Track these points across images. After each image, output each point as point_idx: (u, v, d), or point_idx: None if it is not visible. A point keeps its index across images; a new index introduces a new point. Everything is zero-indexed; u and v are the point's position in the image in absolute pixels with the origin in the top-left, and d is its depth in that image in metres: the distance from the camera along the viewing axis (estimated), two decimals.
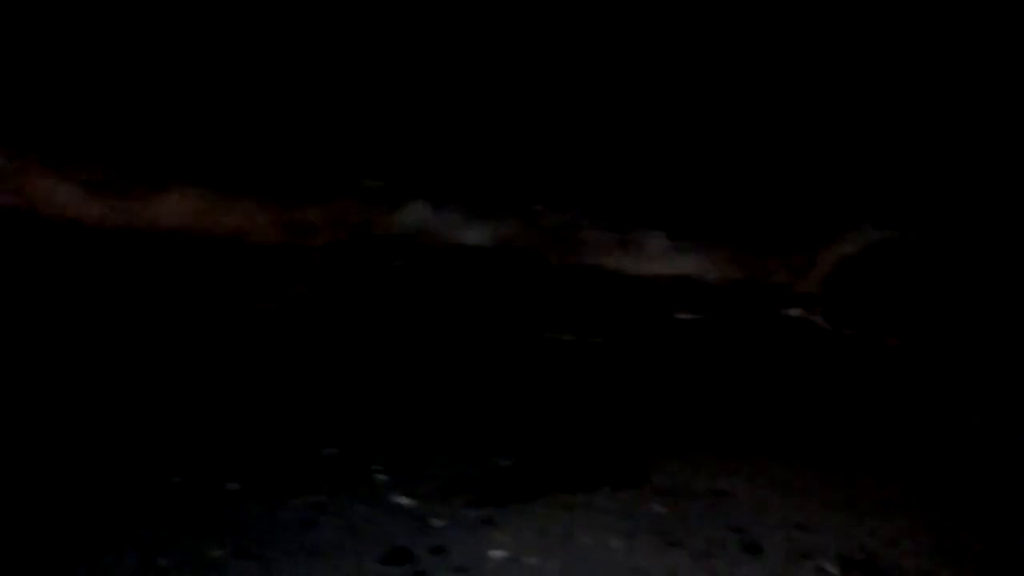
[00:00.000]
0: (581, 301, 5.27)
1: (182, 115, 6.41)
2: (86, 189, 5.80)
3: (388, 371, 4.21)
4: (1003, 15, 5.91)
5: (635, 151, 6.11)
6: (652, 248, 5.81)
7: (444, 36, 6.53)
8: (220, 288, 5.18)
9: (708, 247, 5.71)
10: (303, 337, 4.59)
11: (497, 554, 2.78)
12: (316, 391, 3.93)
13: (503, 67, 6.48)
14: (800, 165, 6.12)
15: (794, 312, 5.20)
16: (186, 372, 4.09)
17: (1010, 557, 2.86)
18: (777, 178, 6.05)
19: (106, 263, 5.34)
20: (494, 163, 6.32)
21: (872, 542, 2.91)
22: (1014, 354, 4.71)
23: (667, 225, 5.96)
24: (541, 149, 6.43)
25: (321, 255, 5.63)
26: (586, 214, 5.95)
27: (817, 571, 2.75)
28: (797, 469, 3.37)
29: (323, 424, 3.59)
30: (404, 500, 3.08)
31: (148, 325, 4.65)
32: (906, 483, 3.31)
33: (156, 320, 4.73)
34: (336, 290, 5.26)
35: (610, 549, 2.84)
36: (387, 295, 5.25)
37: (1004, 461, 3.54)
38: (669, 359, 4.55)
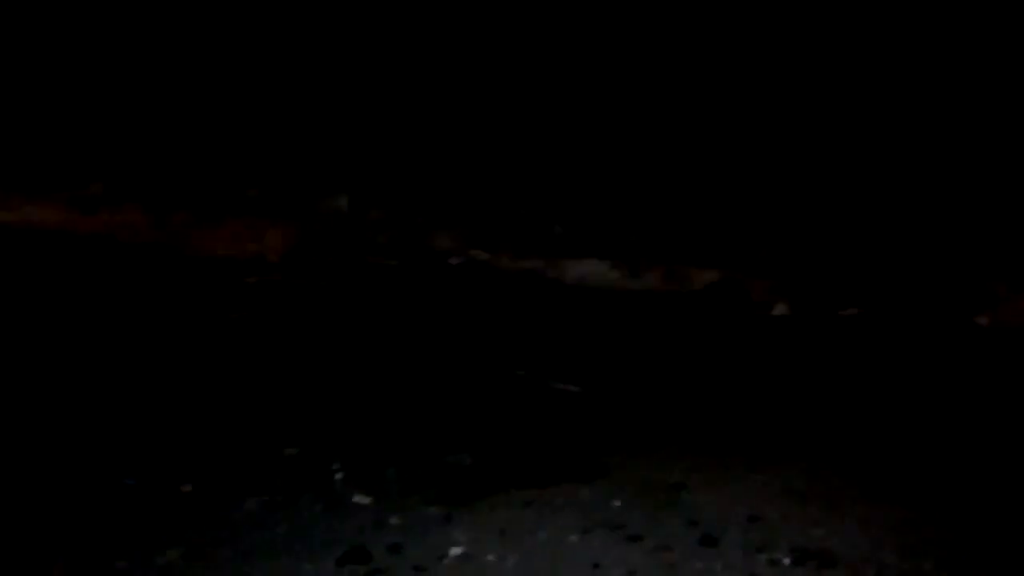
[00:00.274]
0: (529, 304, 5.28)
1: None
2: None
3: (348, 371, 4.19)
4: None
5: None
6: None
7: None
8: (177, 295, 5.14)
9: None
10: (267, 339, 4.56)
11: (455, 551, 2.78)
12: (277, 392, 3.91)
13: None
14: None
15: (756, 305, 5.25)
16: (144, 374, 4.05)
17: (962, 544, 2.90)
18: None
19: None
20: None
21: (825, 533, 2.93)
22: (948, 333, 4.79)
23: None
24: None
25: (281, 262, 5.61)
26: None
27: (771, 563, 2.77)
28: (755, 462, 3.40)
29: (283, 424, 3.57)
30: (362, 499, 3.07)
31: (102, 328, 4.60)
32: (862, 475, 3.35)
33: (111, 323, 4.67)
34: (296, 294, 5.24)
35: (568, 544, 2.85)
36: (349, 298, 5.24)
37: (956, 449, 3.59)
38: (629, 356, 4.58)
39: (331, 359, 4.31)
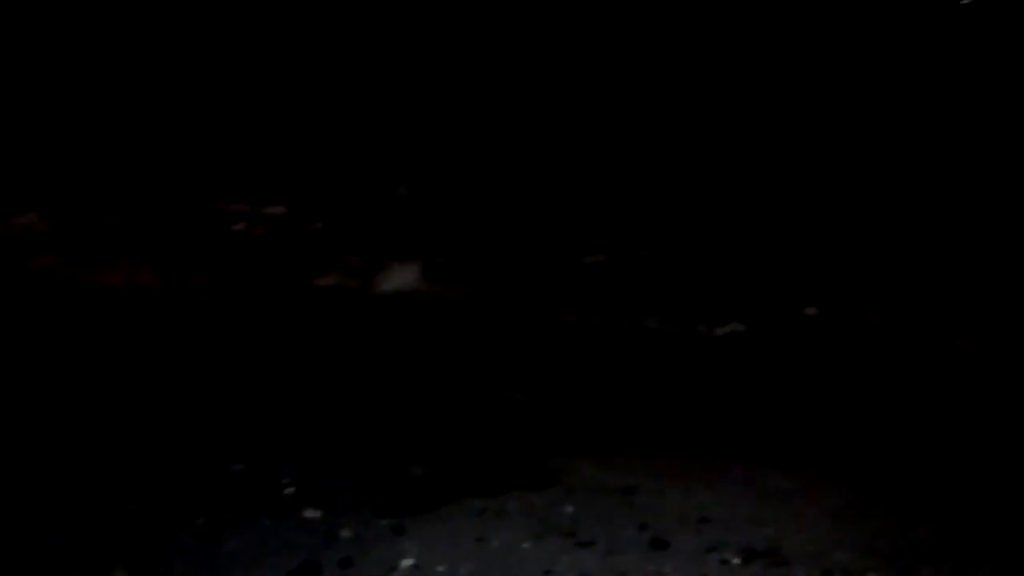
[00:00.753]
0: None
1: None
2: None
3: (296, 385, 4.16)
4: None
5: None
6: None
7: None
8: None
9: None
10: (208, 358, 4.50)
11: (406, 563, 2.77)
12: (223, 409, 3.87)
13: None
14: None
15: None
16: (88, 395, 3.98)
17: (908, 539, 2.94)
18: None
19: None
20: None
21: (774, 532, 2.97)
22: (909, 333, 4.87)
23: None
24: None
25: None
26: None
27: (721, 563, 2.80)
28: (704, 464, 3.43)
29: (231, 441, 3.53)
30: (313, 513, 3.05)
31: (42, 347, 4.52)
32: (808, 472, 3.39)
33: (53, 343, 4.59)
34: (241, 309, 5.18)
35: (520, 552, 2.85)
36: (292, 310, 5.19)
37: (904, 445, 3.65)
38: (579, 360, 4.59)
39: (275, 375, 4.27)
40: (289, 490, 3.18)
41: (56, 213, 6.26)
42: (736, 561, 2.80)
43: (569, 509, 3.10)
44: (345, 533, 2.93)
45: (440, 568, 2.75)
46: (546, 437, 3.67)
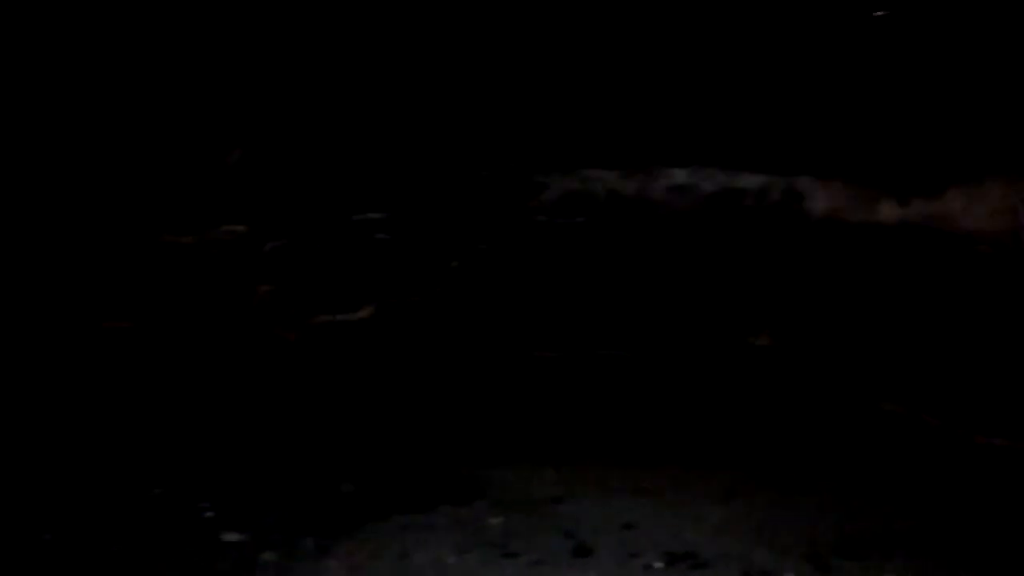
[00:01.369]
0: None
1: None
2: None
3: (219, 409, 4.09)
4: None
5: None
6: None
7: None
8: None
9: None
10: (126, 381, 4.40)
11: None
12: (139, 432, 3.79)
13: None
14: None
15: None
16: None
17: (828, 539, 3.00)
18: None
19: None
20: None
21: (696, 535, 3.01)
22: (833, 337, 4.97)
23: None
24: None
25: None
26: None
27: (644, 568, 2.83)
28: (630, 472, 3.46)
29: (148, 464, 3.47)
30: (234, 536, 3.01)
31: None
32: (733, 473, 3.45)
33: None
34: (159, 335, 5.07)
35: (445, 566, 2.85)
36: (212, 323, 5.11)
37: (824, 445, 3.73)
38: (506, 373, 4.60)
39: (193, 396, 4.19)
40: (209, 514, 3.13)
41: None
42: (659, 565, 2.83)
43: (495, 521, 3.11)
44: (267, 556, 2.90)
45: None
46: (475, 451, 3.68)
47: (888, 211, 5.17)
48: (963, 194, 5.20)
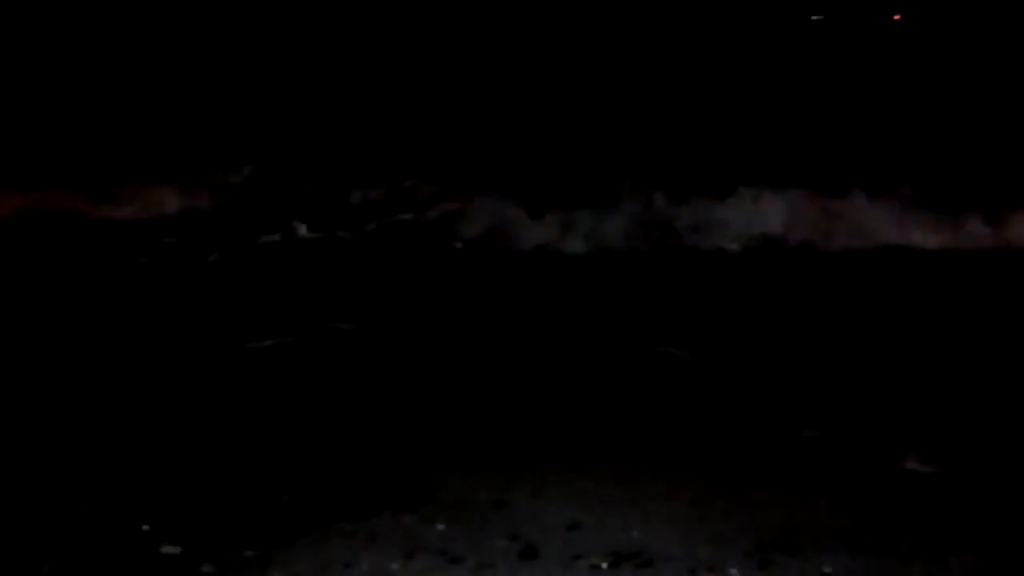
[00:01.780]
0: None
1: None
2: None
3: (154, 421, 4.00)
4: None
5: None
6: None
7: None
8: None
9: None
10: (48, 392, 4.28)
11: None
12: (69, 446, 3.69)
13: None
14: None
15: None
16: None
17: (770, 533, 3.02)
18: None
19: None
20: None
21: (641, 533, 3.01)
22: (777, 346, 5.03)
23: None
24: None
25: None
26: None
27: (590, 569, 2.82)
28: (575, 472, 3.45)
29: (79, 479, 3.37)
30: (172, 549, 2.94)
31: None
32: (679, 474, 3.45)
33: None
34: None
35: (390, 573, 2.81)
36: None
37: (765, 444, 3.76)
38: (449, 375, 4.58)
39: (123, 407, 4.09)
40: (145, 527, 3.05)
41: None
42: (604, 565, 2.82)
43: (440, 526, 3.08)
44: (207, 568, 2.84)
45: None
46: (418, 456, 3.64)
47: None
48: None
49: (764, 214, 6.24)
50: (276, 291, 5.84)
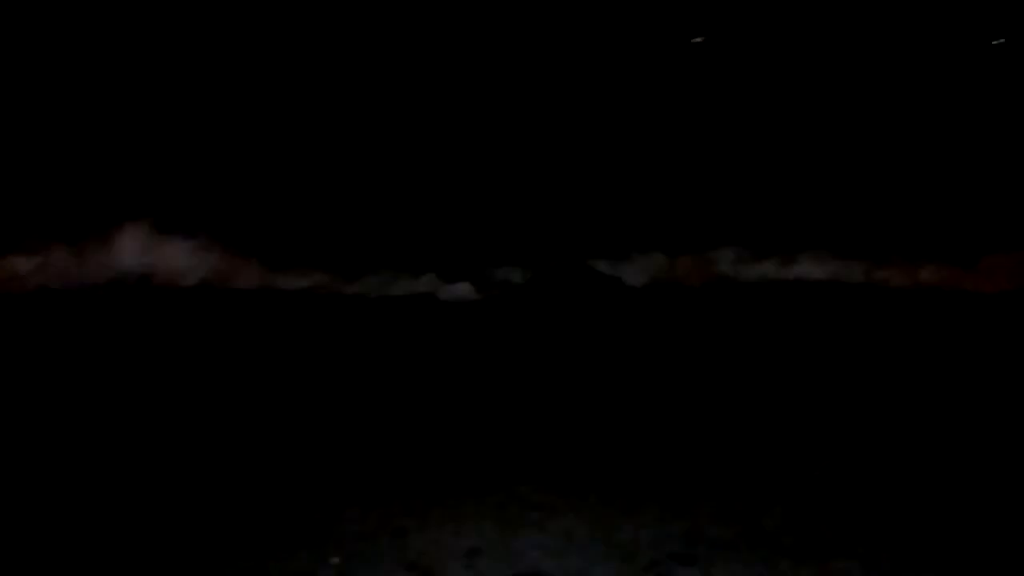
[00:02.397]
0: None
1: None
2: None
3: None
4: None
5: None
6: None
7: None
8: None
9: None
10: None
11: None
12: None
13: None
14: None
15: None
16: None
17: (670, 547, 3.06)
18: None
19: None
20: None
21: (540, 555, 3.01)
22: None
23: None
24: None
25: None
26: None
27: None
28: (471, 497, 3.42)
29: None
30: None
31: None
32: (574, 494, 3.45)
33: None
34: None
35: None
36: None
37: (662, 455, 3.80)
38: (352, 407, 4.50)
39: None
40: None
41: None
42: None
43: (336, 560, 3.01)
44: None
45: None
46: (311, 490, 3.55)
47: None
48: None
49: None
50: None
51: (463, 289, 6.15)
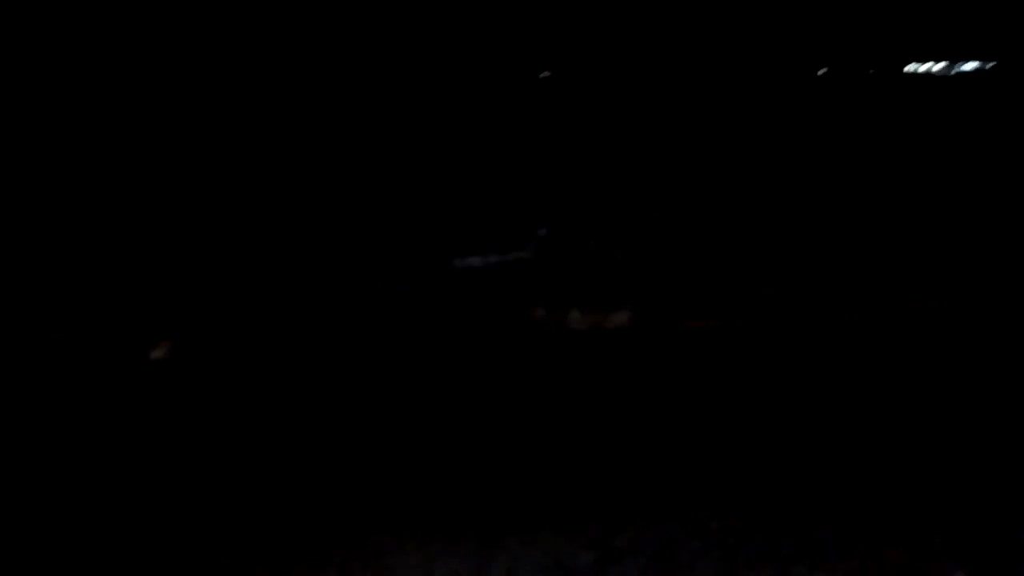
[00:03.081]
0: None
1: None
2: None
3: None
4: None
5: None
6: None
7: None
8: None
9: None
10: None
11: None
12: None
13: None
14: None
15: None
16: None
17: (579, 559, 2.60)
18: None
19: None
20: None
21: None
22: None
23: None
24: None
25: None
26: None
27: None
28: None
29: None
30: None
31: None
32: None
33: None
34: None
35: None
36: None
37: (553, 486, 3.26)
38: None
39: None
40: None
41: None
42: None
43: None
44: None
45: None
46: (218, 542, 3.00)
47: None
48: None
49: None
50: None
51: None
